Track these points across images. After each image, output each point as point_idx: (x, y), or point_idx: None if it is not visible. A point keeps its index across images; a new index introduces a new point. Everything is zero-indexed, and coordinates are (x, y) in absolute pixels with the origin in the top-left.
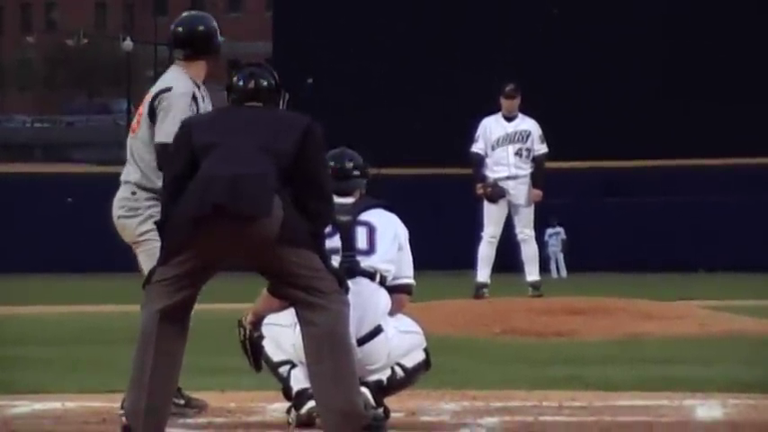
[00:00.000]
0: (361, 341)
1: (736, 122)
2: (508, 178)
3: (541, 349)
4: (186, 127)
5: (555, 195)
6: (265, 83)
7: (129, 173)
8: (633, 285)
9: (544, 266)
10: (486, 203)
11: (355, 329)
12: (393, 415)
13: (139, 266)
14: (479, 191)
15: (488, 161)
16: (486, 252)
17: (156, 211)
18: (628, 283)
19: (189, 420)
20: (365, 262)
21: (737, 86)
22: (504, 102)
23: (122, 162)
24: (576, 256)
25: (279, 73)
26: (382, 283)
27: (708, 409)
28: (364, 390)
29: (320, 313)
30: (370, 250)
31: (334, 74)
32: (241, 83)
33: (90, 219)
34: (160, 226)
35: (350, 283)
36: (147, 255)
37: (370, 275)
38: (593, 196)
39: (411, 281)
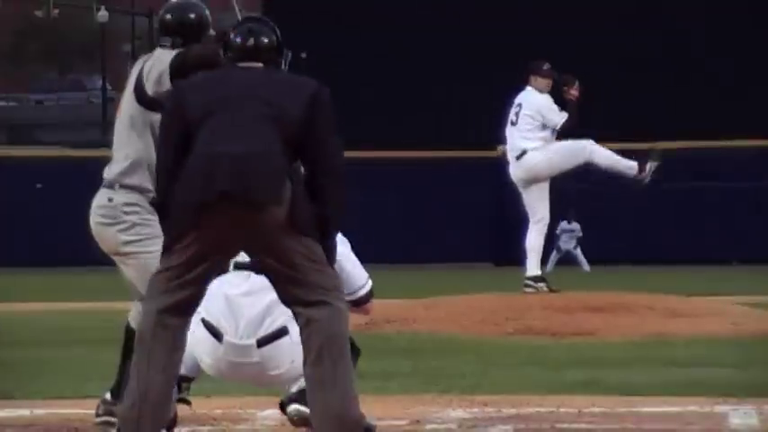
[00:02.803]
0: (261, 342)
1: None
2: None
3: (558, 350)
4: (179, 92)
5: (569, 181)
6: (266, 40)
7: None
8: (658, 280)
9: (559, 260)
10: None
11: (254, 328)
12: (396, 423)
13: (126, 280)
14: None
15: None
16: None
17: (140, 218)
18: (652, 277)
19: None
20: None
21: None
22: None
23: (97, 144)
24: (594, 247)
25: None
26: None
27: (741, 415)
28: (296, 406)
29: (321, 309)
30: None
31: (328, 49)
32: (239, 39)
33: (61, 207)
34: (158, 207)
35: (253, 275)
36: (137, 269)
37: None
38: (611, 182)
39: (365, 291)
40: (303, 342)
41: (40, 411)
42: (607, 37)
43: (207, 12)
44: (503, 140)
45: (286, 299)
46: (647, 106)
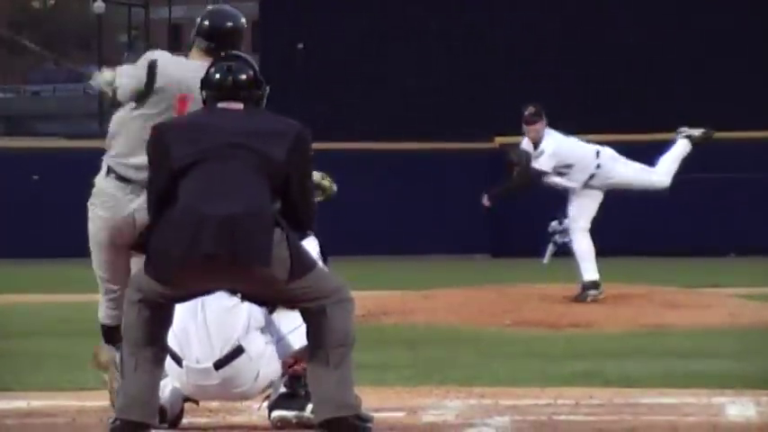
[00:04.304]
0: (218, 365)
1: None
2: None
3: (556, 342)
4: (162, 137)
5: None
6: (244, 77)
7: None
8: (656, 271)
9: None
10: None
11: (209, 350)
12: (393, 414)
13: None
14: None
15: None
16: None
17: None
18: (650, 268)
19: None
20: None
21: None
22: (524, 128)
23: (94, 135)
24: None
25: (268, 38)
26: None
27: (739, 407)
28: (278, 412)
29: (327, 307)
30: None
31: (327, 39)
32: (217, 77)
33: (58, 199)
34: (137, 248)
35: (204, 301)
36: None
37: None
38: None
39: None
40: (307, 330)
41: (37, 403)
42: (605, 31)
43: (243, 20)
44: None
45: (287, 307)
46: (645, 99)
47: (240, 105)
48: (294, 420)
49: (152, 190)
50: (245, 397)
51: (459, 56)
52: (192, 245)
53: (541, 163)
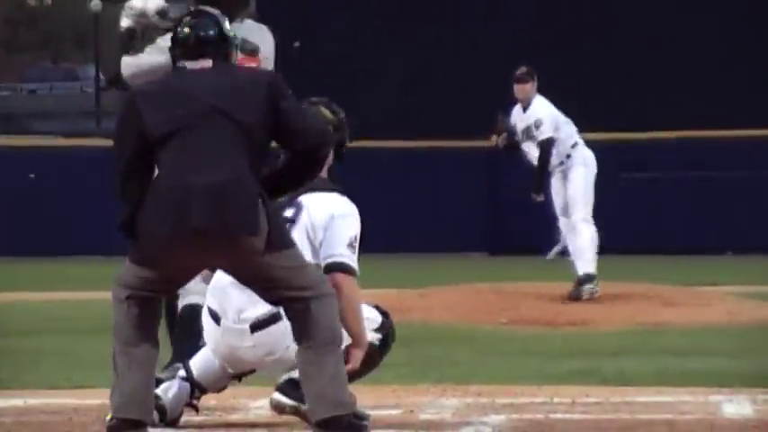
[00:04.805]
0: (254, 327)
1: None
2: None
3: (553, 340)
4: (135, 101)
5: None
6: (210, 32)
7: None
8: (653, 269)
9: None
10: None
11: (247, 313)
12: (390, 412)
13: None
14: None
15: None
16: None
17: None
18: (647, 266)
19: None
20: None
21: None
22: (514, 87)
23: (91, 134)
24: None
25: None
26: None
27: (735, 405)
28: (278, 396)
29: (310, 302)
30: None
31: (323, 37)
32: (180, 34)
33: (54, 197)
34: (126, 226)
35: None
36: None
37: None
38: (606, 171)
39: (339, 259)
40: (292, 330)
41: (33, 401)
42: (603, 30)
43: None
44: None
45: (270, 300)
46: (641, 96)
47: (208, 62)
48: (288, 409)
49: (121, 161)
50: (272, 368)
51: (457, 53)
52: (179, 218)
53: (545, 131)
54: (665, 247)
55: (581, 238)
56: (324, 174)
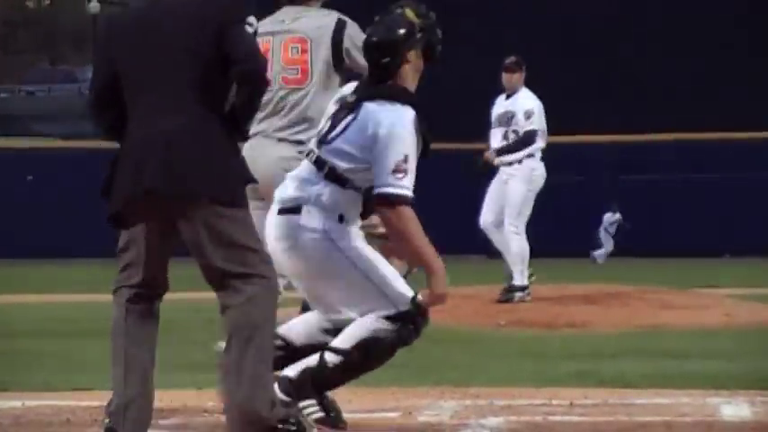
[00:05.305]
0: (281, 210)
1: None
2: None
3: (551, 342)
4: (109, 29)
5: (563, 172)
6: None
7: (299, 131)
8: (652, 272)
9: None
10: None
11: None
12: (387, 415)
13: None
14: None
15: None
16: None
17: None
18: (646, 269)
19: (162, 422)
20: (324, 150)
21: None
22: (502, 75)
23: (89, 136)
24: (588, 240)
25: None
26: (334, 179)
27: (733, 407)
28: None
29: (237, 295)
30: (334, 137)
31: None
32: None
33: (52, 199)
34: (104, 192)
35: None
36: None
37: (319, 167)
38: (605, 173)
39: (381, 190)
40: (224, 327)
41: (31, 403)
42: (604, 32)
43: None
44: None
45: (207, 277)
46: (640, 99)
47: None
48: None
49: (91, 91)
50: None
51: (456, 55)
52: (134, 179)
53: (533, 122)
54: (664, 249)
55: (512, 248)
56: (409, 81)
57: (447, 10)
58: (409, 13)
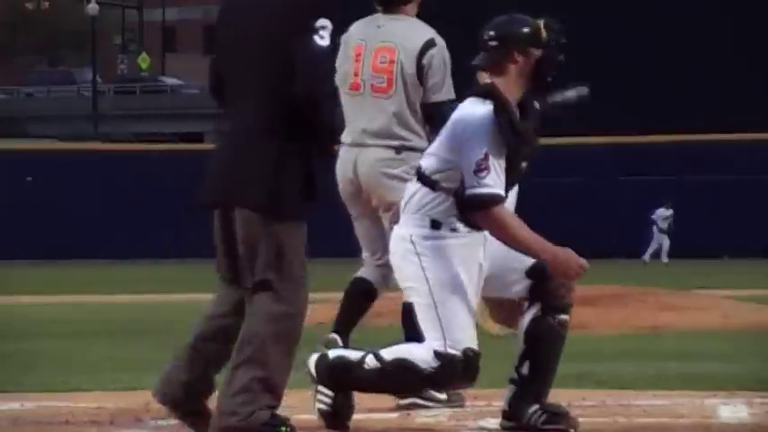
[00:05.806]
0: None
1: (765, 94)
2: None
3: None
4: (221, 17)
5: (562, 174)
6: None
7: (389, 135)
8: (650, 273)
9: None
10: None
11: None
12: (387, 416)
13: (362, 234)
14: None
15: None
16: None
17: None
18: (644, 270)
19: (161, 422)
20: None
21: None
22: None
23: (88, 137)
24: (587, 241)
25: None
26: (425, 182)
27: (731, 409)
28: (311, 366)
29: (247, 306)
30: (432, 141)
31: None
32: None
33: (51, 200)
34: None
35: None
36: (387, 220)
37: (416, 172)
38: (604, 175)
39: (470, 191)
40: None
41: (30, 404)
42: (607, 31)
43: None
44: None
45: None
46: (641, 100)
47: None
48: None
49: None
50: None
51: (455, 56)
52: (204, 186)
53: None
54: (663, 250)
55: None
56: (511, 84)
57: (472, 21)
58: (543, 22)
